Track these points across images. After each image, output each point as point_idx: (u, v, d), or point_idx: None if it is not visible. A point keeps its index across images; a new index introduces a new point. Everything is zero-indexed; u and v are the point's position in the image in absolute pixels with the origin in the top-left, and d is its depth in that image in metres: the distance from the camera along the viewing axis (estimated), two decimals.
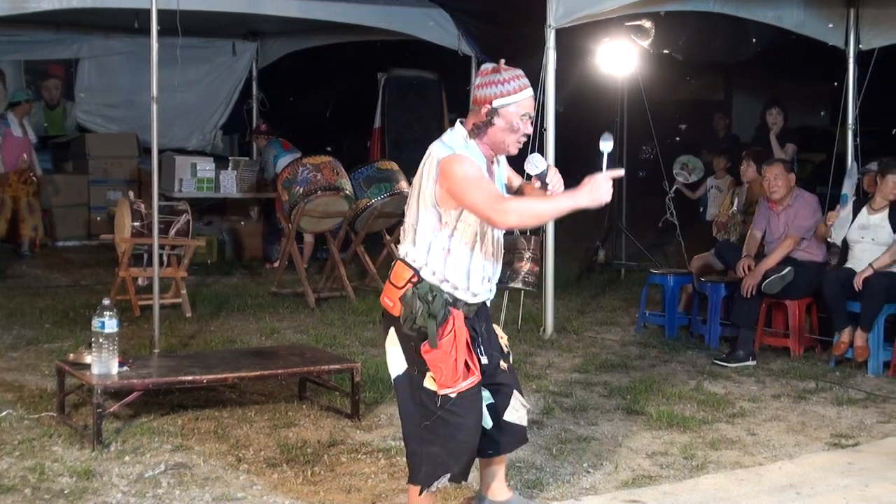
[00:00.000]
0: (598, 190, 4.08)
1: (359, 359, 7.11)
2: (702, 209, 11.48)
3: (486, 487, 4.71)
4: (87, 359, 5.96)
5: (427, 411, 4.24)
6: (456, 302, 4.21)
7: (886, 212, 7.99)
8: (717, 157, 11.34)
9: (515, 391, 4.52)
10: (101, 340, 5.76)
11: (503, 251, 4.44)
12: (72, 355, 6.26)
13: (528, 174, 4.40)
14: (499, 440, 4.51)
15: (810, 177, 12.41)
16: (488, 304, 4.47)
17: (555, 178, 4.33)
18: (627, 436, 6.14)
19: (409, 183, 11.00)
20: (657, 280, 9.34)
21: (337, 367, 6.48)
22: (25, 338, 8.29)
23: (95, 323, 5.75)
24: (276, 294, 10.38)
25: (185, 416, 6.26)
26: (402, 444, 5.76)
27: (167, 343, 7.98)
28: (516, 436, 4.57)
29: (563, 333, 8.93)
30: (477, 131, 4.21)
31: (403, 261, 4.26)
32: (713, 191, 11.04)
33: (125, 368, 5.91)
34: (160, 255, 8.18)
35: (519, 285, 5.06)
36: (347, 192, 10.18)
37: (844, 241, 8.20)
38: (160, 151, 7.66)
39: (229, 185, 12.30)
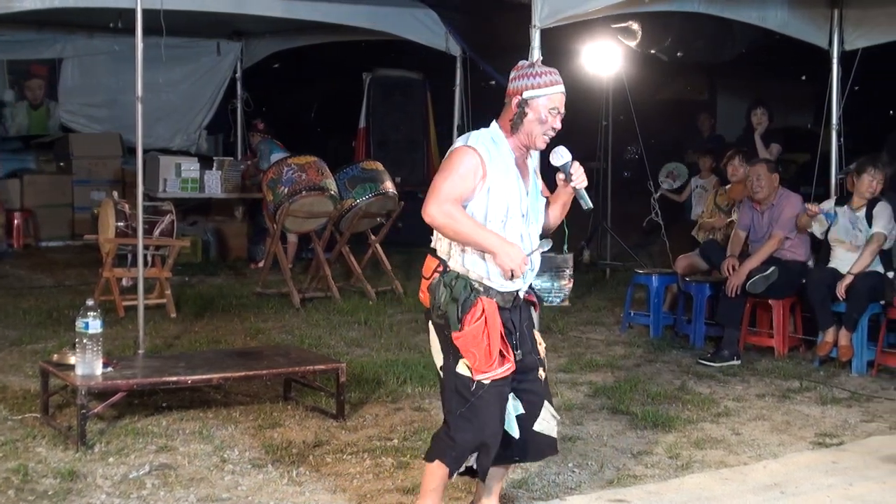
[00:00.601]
0: (514, 257, 4.16)
1: (344, 359, 7.12)
2: (687, 210, 11.49)
3: (478, 499, 4.68)
4: (71, 359, 5.94)
5: (462, 399, 4.25)
6: (487, 290, 4.23)
7: (864, 211, 8.03)
8: (702, 156, 11.36)
9: (546, 402, 4.50)
10: (85, 341, 5.74)
11: (538, 253, 4.42)
12: (56, 356, 6.24)
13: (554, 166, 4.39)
14: (526, 448, 4.49)
15: (794, 177, 12.43)
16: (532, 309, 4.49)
17: (578, 171, 4.34)
18: (612, 435, 6.15)
19: (394, 183, 11.12)
20: (642, 280, 9.36)
21: (322, 367, 6.47)
22: (9, 338, 8.25)
23: (79, 323, 5.73)
24: (261, 294, 10.36)
25: (169, 416, 6.24)
26: (385, 442, 5.80)
27: (151, 344, 7.96)
28: (545, 445, 4.53)
29: (548, 333, 8.93)
30: (514, 127, 4.27)
31: (432, 253, 4.31)
32: (698, 190, 11.06)
33: (109, 369, 5.89)
34: (144, 256, 8.15)
35: (566, 303, 5.08)
36: (332, 192, 10.17)
37: (827, 242, 8.24)
38: (144, 151, 7.63)
39: (214, 185, 12.28)
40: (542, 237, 4.39)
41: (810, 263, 8.46)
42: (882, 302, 7.85)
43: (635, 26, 10.10)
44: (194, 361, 6.44)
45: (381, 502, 5.01)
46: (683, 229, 10.50)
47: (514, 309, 4.35)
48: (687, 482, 5.41)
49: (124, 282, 9.71)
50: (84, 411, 5.62)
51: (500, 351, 4.21)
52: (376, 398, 6.78)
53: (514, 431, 4.40)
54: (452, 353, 4.25)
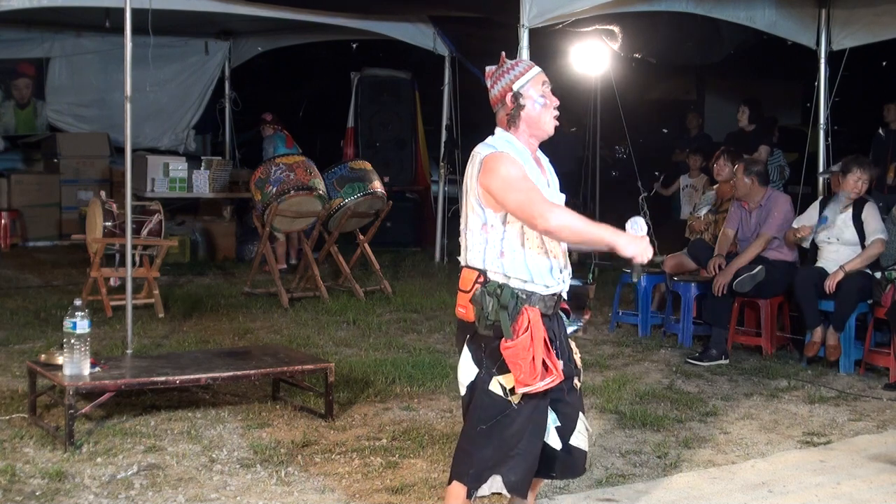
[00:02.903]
0: (641, 243, 4.05)
1: (332, 359, 7.11)
2: (675, 210, 11.52)
3: None
4: (59, 360, 5.93)
5: (486, 415, 4.12)
6: (530, 297, 4.12)
7: (850, 211, 8.05)
8: (691, 155, 11.39)
9: (581, 413, 4.41)
10: (72, 341, 5.73)
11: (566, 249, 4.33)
12: (43, 356, 6.22)
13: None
14: (564, 463, 4.37)
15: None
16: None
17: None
18: (601, 434, 6.16)
19: (383, 183, 11.11)
20: (630, 279, 9.37)
21: (310, 367, 6.46)
22: None
23: (67, 323, 5.72)
24: (250, 294, 10.35)
25: (157, 416, 6.23)
26: (374, 442, 5.81)
27: (139, 344, 7.94)
28: (578, 461, 4.41)
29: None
30: (513, 121, 4.19)
31: (467, 266, 4.18)
32: (688, 189, 11.09)
33: (97, 369, 5.88)
34: (132, 255, 8.12)
35: (581, 333, 4.98)
36: (321, 191, 10.16)
37: (813, 242, 8.26)
38: (132, 151, 7.61)
39: (202, 184, 12.26)
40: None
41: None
42: (870, 301, 7.87)
43: (616, 30, 10.11)
44: (182, 361, 6.43)
45: (370, 502, 5.01)
46: (672, 228, 10.53)
47: (554, 316, 4.26)
48: (675, 481, 5.42)
49: (112, 282, 9.68)
50: (72, 411, 5.61)
51: (544, 361, 4.08)
52: (365, 398, 6.78)
53: (557, 444, 4.27)
54: (486, 368, 4.12)
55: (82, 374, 5.76)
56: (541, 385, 4.06)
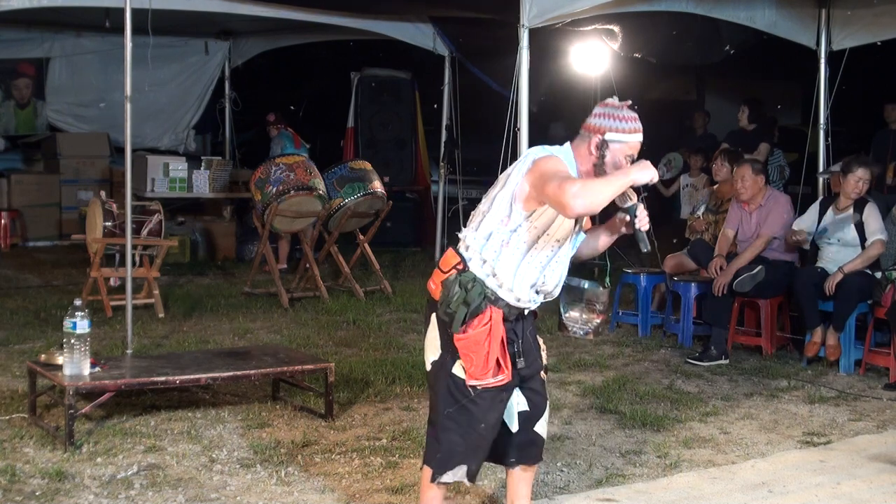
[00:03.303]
0: (645, 166, 4.09)
1: (332, 359, 7.11)
2: (676, 209, 11.51)
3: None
4: (59, 360, 5.93)
5: (452, 399, 4.22)
6: (497, 300, 4.19)
7: (851, 211, 8.05)
8: (693, 155, 11.38)
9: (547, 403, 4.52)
10: (72, 341, 5.73)
11: (566, 275, 4.41)
12: (43, 356, 6.22)
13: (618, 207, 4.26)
14: (524, 449, 4.46)
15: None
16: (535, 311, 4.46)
17: (643, 214, 4.21)
18: (601, 435, 6.16)
19: (382, 182, 11.11)
20: (630, 279, 9.37)
21: (310, 367, 6.46)
22: None
23: (67, 323, 5.72)
24: (250, 294, 10.35)
25: (157, 416, 6.23)
26: (374, 442, 5.80)
27: (140, 344, 7.94)
28: (537, 449, 4.52)
29: (538, 333, 8.93)
30: (598, 169, 4.20)
31: (455, 249, 4.26)
32: (688, 188, 11.08)
33: (97, 369, 5.88)
34: (132, 256, 8.12)
35: (590, 336, 4.99)
36: (320, 191, 10.16)
37: (813, 242, 8.26)
38: (132, 151, 7.61)
39: (202, 184, 12.27)
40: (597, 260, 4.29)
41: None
42: (870, 301, 7.87)
43: (616, 29, 10.10)
44: (182, 361, 6.43)
45: (370, 502, 5.01)
46: (672, 228, 10.52)
47: (519, 318, 4.33)
48: (675, 481, 5.42)
49: (112, 282, 9.68)
50: (72, 411, 5.61)
51: (498, 360, 4.17)
52: (365, 398, 6.78)
53: (514, 425, 4.37)
54: (451, 352, 4.22)
55: (82, 374, 5.76)
56: (490, 381, 4.19)
